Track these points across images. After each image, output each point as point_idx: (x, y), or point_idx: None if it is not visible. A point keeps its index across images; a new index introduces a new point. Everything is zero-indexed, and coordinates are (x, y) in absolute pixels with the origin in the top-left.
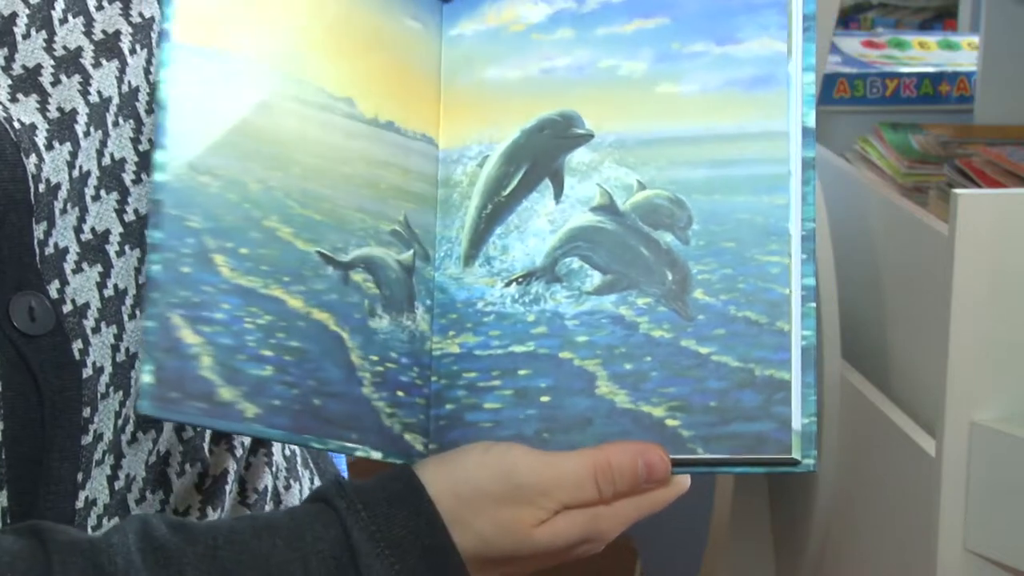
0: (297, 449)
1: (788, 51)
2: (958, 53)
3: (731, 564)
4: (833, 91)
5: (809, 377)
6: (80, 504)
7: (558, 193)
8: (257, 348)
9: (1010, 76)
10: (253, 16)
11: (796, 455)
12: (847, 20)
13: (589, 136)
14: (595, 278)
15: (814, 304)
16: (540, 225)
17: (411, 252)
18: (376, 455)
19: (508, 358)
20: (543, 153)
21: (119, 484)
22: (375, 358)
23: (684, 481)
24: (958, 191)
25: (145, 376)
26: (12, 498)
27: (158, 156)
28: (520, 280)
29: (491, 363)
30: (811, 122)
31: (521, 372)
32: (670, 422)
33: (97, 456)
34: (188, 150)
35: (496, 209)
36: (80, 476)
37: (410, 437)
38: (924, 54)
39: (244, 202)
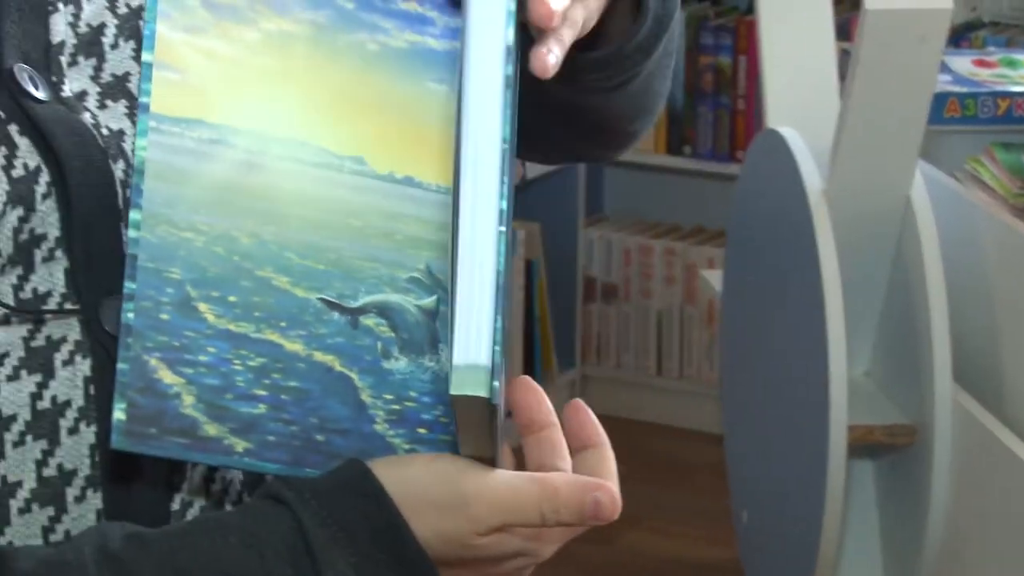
0: None
1: None
2: None
3: None
4: (943, 110)
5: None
6: (176, 506)
7: None
8: (247, 388)
9: None
10: (238, 91)
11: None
12: (958, 39)
13: None
14: None
15: (503, 228)
16: None
17: (434, 298)
18: None
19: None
20: None
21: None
22: (390, 396)
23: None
24: None
25: (118, 413)
26: (107, 500)
27: (133, 215)
28: None
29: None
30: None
31: None
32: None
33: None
34: (166, 210)
35: None
36: (175, 477)
37: None
38: None
39: (233, 255)
